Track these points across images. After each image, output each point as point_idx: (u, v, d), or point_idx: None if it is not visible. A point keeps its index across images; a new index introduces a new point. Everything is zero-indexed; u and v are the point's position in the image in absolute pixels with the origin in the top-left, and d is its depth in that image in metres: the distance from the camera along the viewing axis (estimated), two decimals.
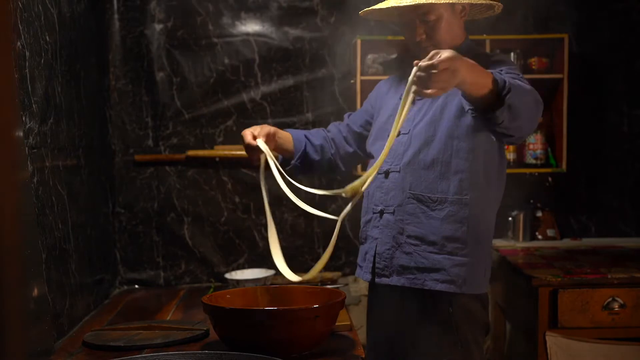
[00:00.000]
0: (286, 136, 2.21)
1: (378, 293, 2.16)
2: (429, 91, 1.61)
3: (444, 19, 1.97)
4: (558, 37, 3.02)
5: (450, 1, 1.91)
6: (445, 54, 1.59)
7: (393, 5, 1.96)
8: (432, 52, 1.60)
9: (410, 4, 1.92)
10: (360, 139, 2.26)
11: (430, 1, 1.90)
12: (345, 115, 2.34)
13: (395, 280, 2.04)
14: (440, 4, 1.94)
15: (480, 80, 1.68)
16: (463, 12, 2.02)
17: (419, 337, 2.03)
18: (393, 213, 2.04)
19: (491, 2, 1.99)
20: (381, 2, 2.02)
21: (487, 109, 1.72)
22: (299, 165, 2.23)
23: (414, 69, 1.63)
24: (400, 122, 1.72)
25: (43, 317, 1.79)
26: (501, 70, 1.88)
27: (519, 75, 1.88)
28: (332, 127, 2.31)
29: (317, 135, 2.27)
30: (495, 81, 1.69)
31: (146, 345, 1.86)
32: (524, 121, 1.78)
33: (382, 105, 2.18)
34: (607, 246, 3.10)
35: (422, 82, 1.61)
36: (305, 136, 2.25)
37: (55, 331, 1.95)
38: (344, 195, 1.86)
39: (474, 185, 1.98)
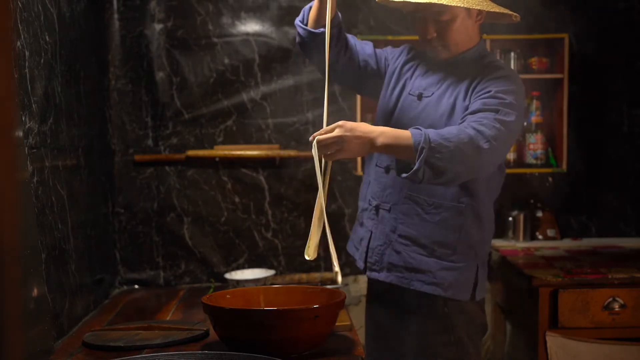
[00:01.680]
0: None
1: (376, 289, 2.17)
2: (327, 154, 1.77)
3: (457, 20, 1.95)
4: (558, 37, 3.02)
5: (462, 5, 1.89)
6: (337, 130, 1.75)
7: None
8: (334, 125, 1.76)
9: (424, 1, 1.89)
10: (355, 61, 2.13)
11: (441, 2, 1.87)
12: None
13: (384, 276, 2.05)
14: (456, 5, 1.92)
15: (397, 146, 1.78)
16: (479, 15, 1.99)
17: (415, 336, 2.03)
18: (389, 211, 2.05)
19: (507, 12, 1.97)
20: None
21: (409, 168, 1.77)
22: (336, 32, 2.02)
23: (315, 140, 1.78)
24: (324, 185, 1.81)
25: (43, 317, 1.79)
26: (488, 92, 1.88)
27: (505, 99, 1.84)
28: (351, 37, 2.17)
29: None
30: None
31: (146, 345, 1.85)
32: (456, 173, 1.77)
33: (390, 84, 2.12)
34: (607, 246, 3.09)
35: (320, 148, 1.77)
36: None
37: (55, 331, 1.95)
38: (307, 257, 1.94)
39: (472, 192, 1.98)
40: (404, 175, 1.78)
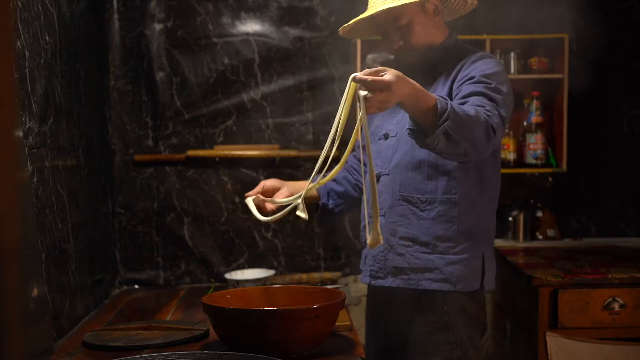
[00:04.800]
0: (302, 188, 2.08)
1: (375, 295, 2.17)
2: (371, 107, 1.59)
3: (415, 22, 1.98)
4: (558, 37, 3.02)
5: (406, 2, 1.91)
6: (388, 75, 1.57)
7: (360, 17, 1.99)
8: (377, 68, 1.59)
9: (372, 13, 1.95)
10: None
11: (388, 6, 1.92)
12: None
13: (390, 281, 2.05)
14: (408, 8, 1.95)
15: (420, 105, 1.66)
16: (436, 11, 2.02)
17: (415, 336, 2.03)
18: (384, 215, 2.05)
19: None
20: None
21: (425, 131, 1.70)
22: (338, 209, 2.24)
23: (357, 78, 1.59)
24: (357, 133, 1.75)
25: (43, 317, 1.79)
26: (472, 78, 1.87)
27: (490, 84, 1.84)
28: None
29: (340, 179, 2.24)
30: (436, 107, 1.66)
31: (146, 345, 1.85)
32: (465, 149, 1.74)
33: None
34: (607, 246, 3.10)
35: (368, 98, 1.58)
36: (328, 193, 2.22)
37: (55, 331, 1.95)
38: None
39: (464, 184, 1.98)
40: (414, 137, 1.73)
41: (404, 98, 1.61)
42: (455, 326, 2.01)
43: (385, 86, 1.55)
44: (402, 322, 2.06)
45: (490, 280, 2.07)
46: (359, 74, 1.58)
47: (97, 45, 2.73)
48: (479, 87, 1.85)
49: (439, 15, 2.04)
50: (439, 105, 1.66)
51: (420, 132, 1.72)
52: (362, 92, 1.57)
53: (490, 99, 1.83)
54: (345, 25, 2.05)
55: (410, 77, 2.07)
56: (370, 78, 1.56)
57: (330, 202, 2.20)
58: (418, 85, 1.67)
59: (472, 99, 1.83)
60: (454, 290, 1.99)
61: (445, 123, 1.66)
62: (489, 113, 1.79)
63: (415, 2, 1.94)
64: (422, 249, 2.00)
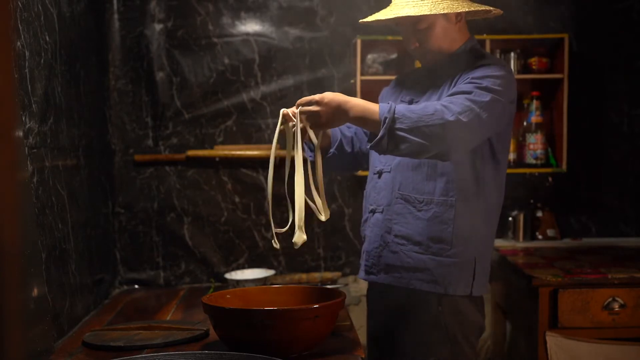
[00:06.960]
0: None
1: (373, 291, 2.19)
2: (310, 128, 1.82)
3: (436, 26, 1.98)
4: (558, 37, 3.02)
5: (421, 14, 1.92)
6: (323, 98, 1.79)
7: (379, 18, 1.99)
8: (315, 96, 1.80)
9: (390, 17, 1.96)
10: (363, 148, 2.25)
11: (408, 14, 1.93)
12: None
13: (382, 278, 2.07)
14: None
15: (367, 116, 1.80)
16: (459, 17, 2.01)
17: (410, 334, 2.04)
18: (382, 212, 2.06)
19: (481, 8, 1.99)
20: (378, 11, 2.06)
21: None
22: (337, 154, 2.13)
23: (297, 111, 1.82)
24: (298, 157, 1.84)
25: (43, 317, 1.79)
26: (466, 79, 1.90)
27: (481, 84, 1.85)
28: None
29: (345, 128, 2.22)
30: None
31: (146, 345, 1.86)
32: (420, 144, 1.77)
33: None
34: (607, 246, 3.09)
35: (308, 119, 1.82)
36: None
37: (55, 331, 1.95)
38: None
39: (462, 187, 1.98)
40: (369, 145, 1.82)
41: (335, 108, 1.78)
42: (449, 326, 2.01)
43: (310, 100, 1.79)
44: (399, 319, 2.07)
45: (480, 285, 2.05)
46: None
47: (97, 45, 2.74)
48: (468, 87, 1.87)
49: (461, 21, 2.03)
50: (380, 111, 1.77)
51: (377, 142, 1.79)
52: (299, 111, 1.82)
53: (467, 93, 1.84)
54: (366, 19, 2.06)
55: (419, 80, 2.10)
56: (307, 107, 1.81)
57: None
58: (360, 100, 1.81)
59: (451, 97, 1.85)
60: (443, 293, 1.99)
61: (385, 124, 1.75)
62: (447, 103, 1.81)
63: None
64: (415, 248, 2.01)
